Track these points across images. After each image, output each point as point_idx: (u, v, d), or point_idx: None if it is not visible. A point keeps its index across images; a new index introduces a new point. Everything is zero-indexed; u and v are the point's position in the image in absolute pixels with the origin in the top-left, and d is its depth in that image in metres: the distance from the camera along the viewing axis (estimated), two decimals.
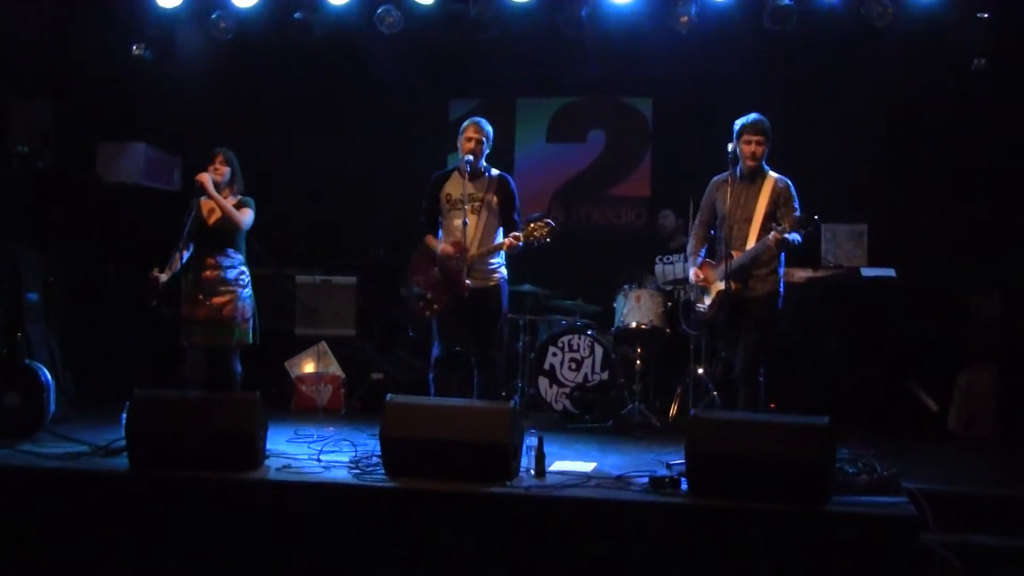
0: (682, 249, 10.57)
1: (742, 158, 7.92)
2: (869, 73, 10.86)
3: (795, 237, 7.56)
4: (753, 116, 7.92)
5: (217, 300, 8.17)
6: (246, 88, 12.02)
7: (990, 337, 9.86)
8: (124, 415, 7.11)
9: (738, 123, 7.95)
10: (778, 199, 7.85)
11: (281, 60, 11.72)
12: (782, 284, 8.01)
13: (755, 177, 7.92)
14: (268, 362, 10.42)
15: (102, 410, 8.94)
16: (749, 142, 7.85)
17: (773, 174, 7.94)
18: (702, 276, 8.04)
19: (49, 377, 8.45)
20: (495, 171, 8.37)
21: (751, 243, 7.80)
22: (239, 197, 8.36)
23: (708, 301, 8.02)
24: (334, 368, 10.86)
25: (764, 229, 7.78)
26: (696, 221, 8.24)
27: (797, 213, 7.78)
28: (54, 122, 10.82)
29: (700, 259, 8.15)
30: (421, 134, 11.90)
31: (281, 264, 11.23)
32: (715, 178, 8.18)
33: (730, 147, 7.84)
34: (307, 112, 12.28)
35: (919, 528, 6.07)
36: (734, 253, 7.77)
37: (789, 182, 7.94)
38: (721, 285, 7.81)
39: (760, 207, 7.83)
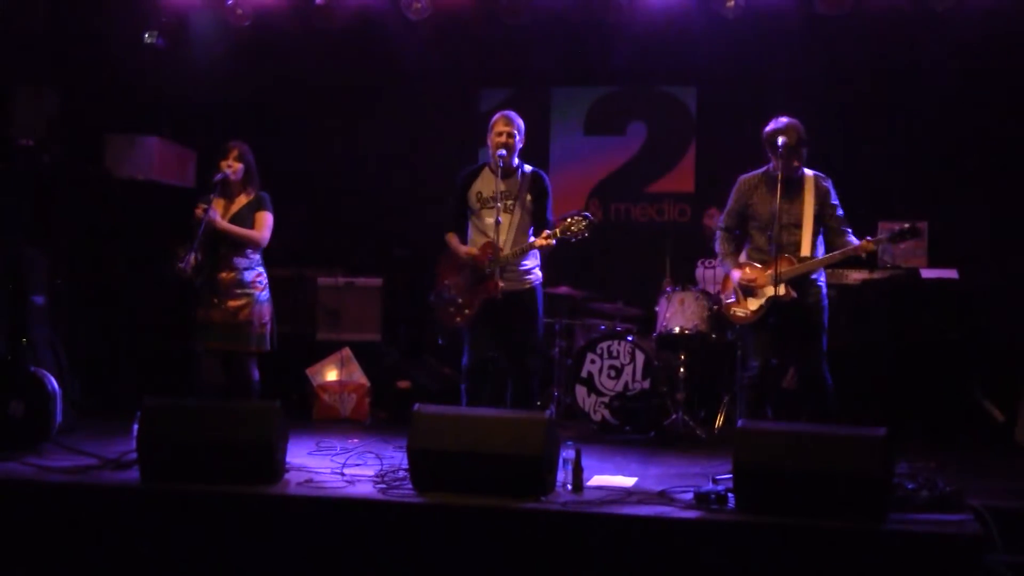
0: None
1: (779, 168, 7.91)
2: (929, 61, 10.78)
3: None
4: (795, 126, 7.89)
5: (232, 303, 8.19)
6: (264, 78, 12.05)
7: None
8: (135, 425, 7.13)
9: (785, 134, 7.85)
10: (824, 199, 7.93)
11: (302, 48, 11.76)
12: (824, 285, 8.08)
13: (795, 180, 7.95)
14: (288, 369, 10.47)
15: (112, 420, 8.93)
16: (792, 158, 7.86)
17: (810, 172, 7.99)
18: (752, 277, 8.01)
19: (56, 385, 8.48)
20: (528, 167, 8.37)
21: (805, 249, 7.84)
22: (255, 195, 8.38)
23: (754, 306, 8.00)
24: (358, 375, 10.87)
25: (814, 233, 7.86)
26: (724, 224, 8.23)
27: (839, 212, 7.92)
28: (61, 113, 10.86)
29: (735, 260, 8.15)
30: (450, 126, 11.91)
31: (301, 265, 11.26)
32: (744, 177, 8.18)
33: (780, 140, 7.80)
34: (329, 103, 12.32)
35: (984, 548, 6.03)
36: (790, 259, 7.82)
37: (829, 179, 8.01)
38: (771, 291, 7.85)
39: (808, 210, 7.87)
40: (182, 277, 8.04)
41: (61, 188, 10.76)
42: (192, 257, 7.99)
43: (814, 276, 7.93)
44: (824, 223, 7.90)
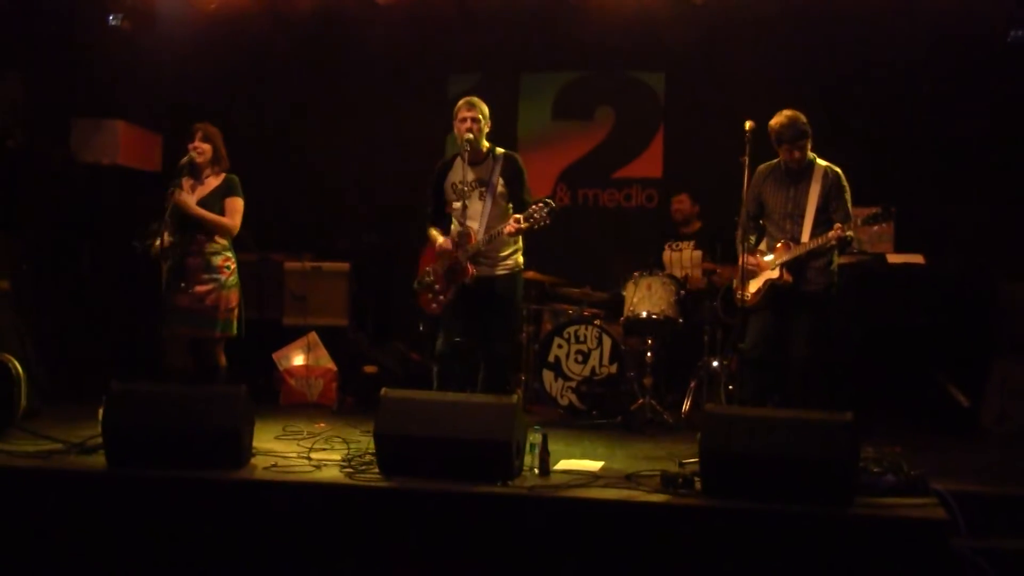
0: (694, 235, 10.60)
1: (784, 160, 8.13)
2: (896, 46, 10.80)
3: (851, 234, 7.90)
4: (786, 120, 8.05)
5: (200, 288, 8.19)
6: (231, 62, 11.98)
7: None
8: (101, 410, 7.10)
9: (772, 127, 8.08)
10: (829, 192, 8.06)
11: (268, 31, 11.67)
12: (836, 275, 8.21)
13: (803, 171, 8.13)
14: (255, 354, 10.43)
15: (77, 405, 8.90)
16: (792, 150, 8.03)
17: (822, 163, 8.16)
18: (753, 262, 8.17)
19: (21, 369, 8.44)
20: (500, 150, 8.35)
21: (805, 237, 8.04)
22: (222, 177, 8.36)
23: (754, 288, 8.13)
24: (325, 360, 10.87)
25: (817, 223, 8.03)
26: (743, 211, 8.27)
27: (843, 211, 8.03)
28: (25, 97, 10.79)
29: (749, 246, 8.23)
30: (418, 111, 11.86)
31: (268, 249, 11.22)
32: (761, 167, 8.28)
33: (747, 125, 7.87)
34: (296, 87, 12.27)
35: (949, 532, 6.06)
36: (790, 244, 8.05)
37: (839, 171, 8.13)
38: (770, 274, 8.06)
39: (811, 202, 8.08)
40: (148, 254, 8.05)
41: (26, 173, 10.69)
42: (159, 240, 7.99)
43: (819, 266, 8.07)
44: (829, 216, 8.02)
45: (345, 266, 11.43)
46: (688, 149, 11.67)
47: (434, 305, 8.32)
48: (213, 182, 8.35)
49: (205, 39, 11.63)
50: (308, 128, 12.19)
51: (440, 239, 8.27)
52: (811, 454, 6.24)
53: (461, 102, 8.29)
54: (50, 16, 10.97)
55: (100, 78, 11.43)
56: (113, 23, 11.23)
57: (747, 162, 7.82)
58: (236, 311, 8.36)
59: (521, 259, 8.40)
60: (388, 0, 10.97)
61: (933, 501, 6.34)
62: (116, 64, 11.39)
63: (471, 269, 8.06)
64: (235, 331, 8.36)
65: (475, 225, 8.11)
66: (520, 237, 8.26)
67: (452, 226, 8.35)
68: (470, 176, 8.15)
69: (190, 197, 8.20)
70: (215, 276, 8.24)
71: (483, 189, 8.17)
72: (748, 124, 7.80)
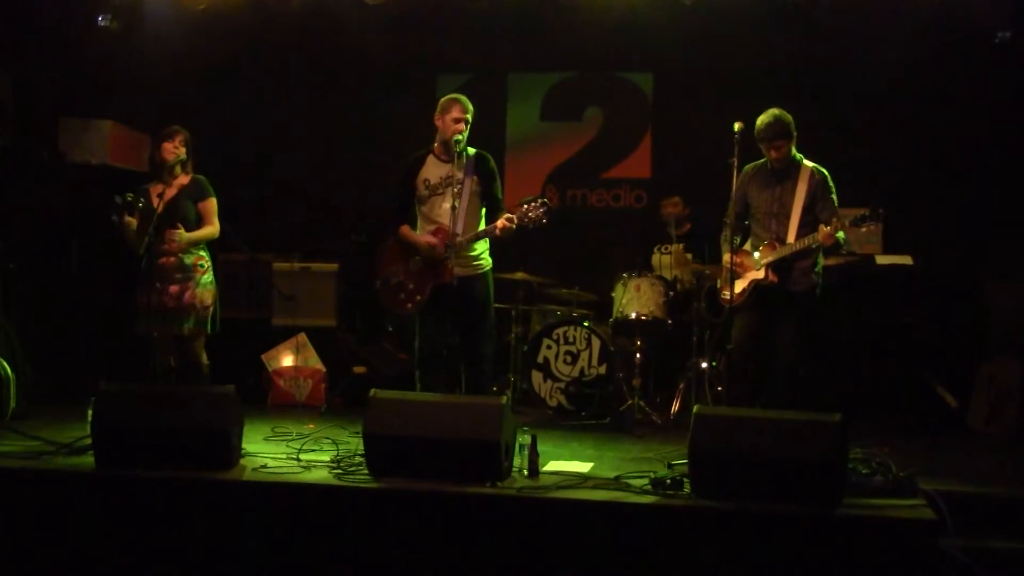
0: (684, 237, 10.60)
1: (768, 159, 8.17)
2: (885, 47, 10.82)
3: (843, 236, 7.85)
4: (768, 119, 8.08)
5: (174, 288, 8.21)
6: (220, 62, 11.95)
7: (1013, 328, 9.87)
8: (90, 410, 7.08)
9: (757, 126, 8.11)
10: (815, 192, 8.09)
11: (258, 32, 11.69)
12: (822, 276, 8.24)
13: (788, 171, 8.13)
14: (244, 355, 10.42)
15: (66, 405, 8.87)
16: (770, 149, 8.09)
17: (808, 164, 8.19)
18: (738, 261, 8.20)
19: (8, 370, 8.42)
20: (471, 150, 8.31)
21: (791, 237, 8.05)
22: (189, 177, 8.40)
23: (738, 288, 8.18)
24: (314, 361, 10.86)
25: (803, 224, 8.04)
26: (728, 211, 8.27)
27: (830, 209, 8.04)
28: (13, 96, 10.76)
29: (734, 246, 8.26)
30: (407, 111, 11.83)
31: (257, 249, 11.20)
32: (747, 167, 8.30)
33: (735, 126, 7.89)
34: (285, 88, 12.26)
35: (938, 532, 6.06)
36: (775, 244, 8.06)
37: (825, 172, 8.16)
38: (755, 274, 8.09)
39: (797, 202, 8.10)
40: (120, 228, 8.08)
41: (14, 172, 10.66)
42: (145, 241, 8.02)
43: (804, 267, 8.09)
44: (815, 216, 8.04)
45: (334, 267, 11.41)
46: (677, 150, 11.67)
47: (409, 305, 8.26)
48: (182, 180, 8.39)
49: (194, 39, 11.60)
50: (296, 128, 12.17)
51: (422, 238, 8.21)
52: (799, 455, 6.24)
53: (452, 100, 8.22)
54: (39, 16, 10.95)
55: (89, 78, 11.41)
56: (102, 23, 11.21)
57: (735, 163, 7.84)
58: (212, 309, 8.37)
59: (490, 259, 8.38)
60: (377, 0, 10.95)
61: (921, 502, 6.36)
62: (105, 64, 11.38)
63: (453, 269, 8.03)
64: (209, 329, 8.37)
65: (448, 223, 8.07)
66: (493, 236, 8.22)
67: (420, 224, 8.33)
68: (444, 173, 8.14)
69: (182, 233, 8.22)
70: (189, 275, 8.27)
71: (457, 187, 8.11)
72: (737, 125, 7.82)
